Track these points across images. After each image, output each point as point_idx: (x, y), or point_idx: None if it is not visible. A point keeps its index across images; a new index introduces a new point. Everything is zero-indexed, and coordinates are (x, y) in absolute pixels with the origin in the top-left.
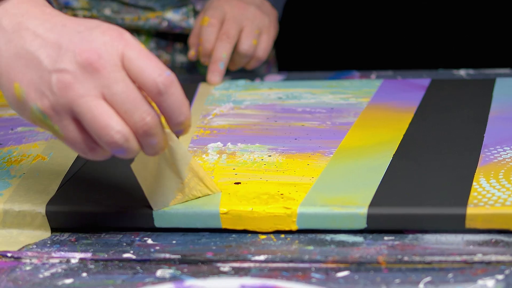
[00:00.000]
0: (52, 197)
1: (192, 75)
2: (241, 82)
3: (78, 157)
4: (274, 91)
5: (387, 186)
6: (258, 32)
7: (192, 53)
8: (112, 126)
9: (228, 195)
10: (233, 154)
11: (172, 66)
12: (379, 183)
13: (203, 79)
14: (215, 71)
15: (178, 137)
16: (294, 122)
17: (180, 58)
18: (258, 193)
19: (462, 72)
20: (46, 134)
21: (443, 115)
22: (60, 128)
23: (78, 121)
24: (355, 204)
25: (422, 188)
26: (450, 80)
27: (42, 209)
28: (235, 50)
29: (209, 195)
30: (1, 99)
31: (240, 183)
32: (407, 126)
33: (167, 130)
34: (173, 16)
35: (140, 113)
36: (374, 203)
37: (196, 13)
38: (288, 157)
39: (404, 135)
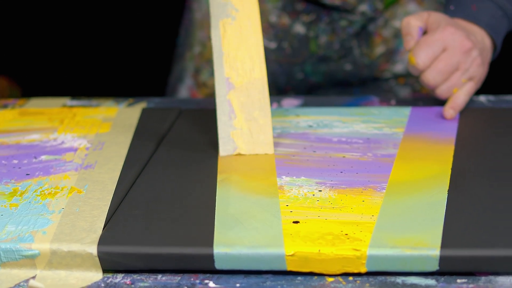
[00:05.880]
0: (102, 236)
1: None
2: None
3: (116, 191)
4: (302, 118)
5: (452, 225)
6: (465, 82)
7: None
8: None
9: (290, 236)
10: (281, 188)
11: (287, 31)
12: (443, 221)
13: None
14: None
15: None
16: (334, 153)
17: (298, 28)
18: (321, 233)
19: (482, 99)
20: (75, 164)
21: (485, 145)
22: None
23: None
24: (426, 245)
25: (490, 227)
26: (480, 109)
27: (93, 249)
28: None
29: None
30: (14, 124)
31: (298, 222)
32: (451, 158)
33: None
34: None
35: None
36: (445, 244)
37: None
38: (340, 192)
39: (452, 169)
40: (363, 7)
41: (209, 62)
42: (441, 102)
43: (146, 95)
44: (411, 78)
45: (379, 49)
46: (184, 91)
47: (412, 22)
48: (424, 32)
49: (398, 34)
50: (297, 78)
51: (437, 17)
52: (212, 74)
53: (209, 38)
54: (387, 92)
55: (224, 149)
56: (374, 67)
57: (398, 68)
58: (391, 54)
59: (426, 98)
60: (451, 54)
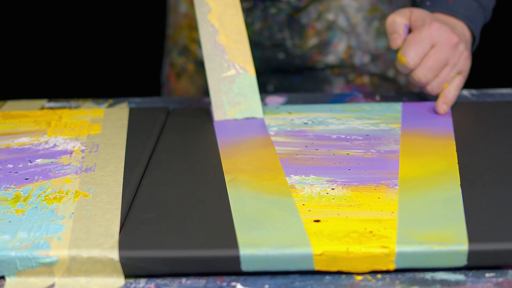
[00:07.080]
0: (121, 240)
1: None
2: None
3: (123, 193)
4: (295, 115)
5: (474, 220)
6: (454, 76)
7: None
8: None
9: (315, 235)
10: (293, 187)
11: None
12: (464, 216)
13: None
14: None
15: None
16: (337, 150)
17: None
18: (346, 232)
19: (466, 93)
20: (74, 167)
21: (484, 138)
22: None
23: None
24: (453, 240)
25: (511, 219)
26: (470, 103)
27: (114, 254)
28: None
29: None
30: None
31: (319, 220)
32: (455, 153)
33: None
34: None
35: None
36: (472, 239)
37: None
38: (353, 190)
39: (459, 163)
40: None
41: (177, 44)
42: (424, 97)
43: (118, 95)
44: (344, 68)
45: (312, 41)
46: (165, 68)
47: (397, 20)
48: (409, 30)
49: (331, 27)
50: None
51: (420, 14)
52: (179, 54)
53: (178, 22)
54: (323, 82)
55: (200, 11)
56: (307, 58)
57: (331, 59)
58: (324, 46)
59: (409, 94)
60: (439, 50)
